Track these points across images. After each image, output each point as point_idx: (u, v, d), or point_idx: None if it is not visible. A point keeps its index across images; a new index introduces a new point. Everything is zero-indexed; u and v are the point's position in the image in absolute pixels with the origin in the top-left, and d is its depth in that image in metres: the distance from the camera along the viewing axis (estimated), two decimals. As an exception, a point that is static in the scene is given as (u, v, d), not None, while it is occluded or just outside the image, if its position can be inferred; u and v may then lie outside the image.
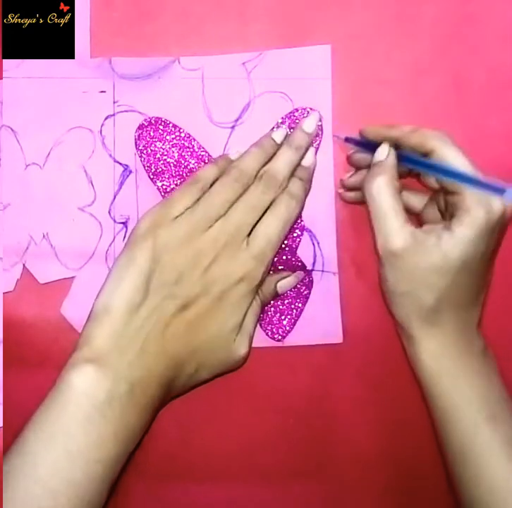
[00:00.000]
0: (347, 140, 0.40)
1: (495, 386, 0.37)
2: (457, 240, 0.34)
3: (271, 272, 0.41)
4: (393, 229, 0.35)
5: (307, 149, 0.40)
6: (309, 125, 0.40)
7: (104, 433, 0.32)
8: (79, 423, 0.32)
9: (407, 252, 0.35)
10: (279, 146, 0.39)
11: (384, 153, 0.37)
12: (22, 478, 0.31)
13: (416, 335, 0.37)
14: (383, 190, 0.36)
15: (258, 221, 0.37)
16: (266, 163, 0.38)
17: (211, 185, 0.37)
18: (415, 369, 0.38)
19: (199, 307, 0.36)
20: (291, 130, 0.40)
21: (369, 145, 0.38)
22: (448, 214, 0.36)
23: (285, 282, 0.40)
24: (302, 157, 0.39)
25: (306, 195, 0.40)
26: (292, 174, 0.39)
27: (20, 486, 0.31)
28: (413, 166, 0.37)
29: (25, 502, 0.31)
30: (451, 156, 0.35)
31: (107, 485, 0.33)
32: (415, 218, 0.40)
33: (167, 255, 0.36)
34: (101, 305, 0.35)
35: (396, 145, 0.37)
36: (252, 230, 0.37)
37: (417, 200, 0.40)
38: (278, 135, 0.39)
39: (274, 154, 0.39)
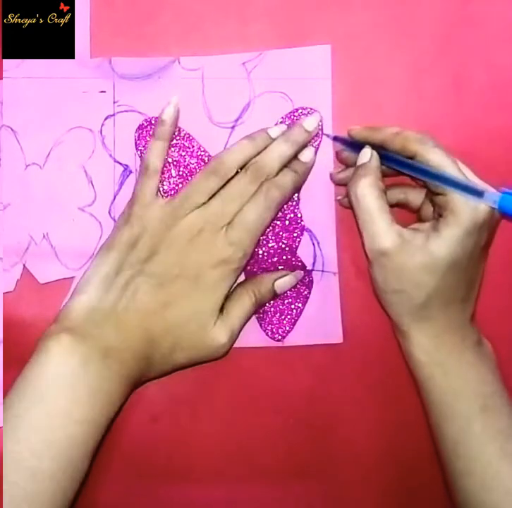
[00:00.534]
0: (335, 138, 0.41)
1: (489, 379, 0.37)
2: (444, 241, 0.34)
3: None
4: (380, 229, 0.35)
5: (303, 147, 0.40)
6: (310, 123, 0.40)
7: (81, 395, 0.34)
8: (56, 385, 0.34)
9: (395, 251, 0.35)
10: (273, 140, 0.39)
11: (366, 156, 0.37)
12: (6, 440, 0.32)
13: (408, 330, 0.37)
14: (367, 192, 0.36)
15: None
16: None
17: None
18: (409, 363, 0.38)
19: (174, 288, 0.37)
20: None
21: (356, 145, 0.39)
22: (436, 213, 0.37)
23: (283, 281, 0.40)
24: (297, 153, 0.39)
25: (297, 189, 0.40)
26: (286, 167, 0.39)
27: (5, 448, 0.32)
28: (398, 167, 0.37)
29: (10, 463, 0.32)
30: (433, 159, 0.35)
31: (88, 448, 0.34)
32: (414, 215, 0.40)
33: (145, 236, 0.37)
34: (81, 281, 0.38)
35: (382, 146, 0.37)
36: None
37: (416, 196, 0.40)
38: (275, 131, 0.39)
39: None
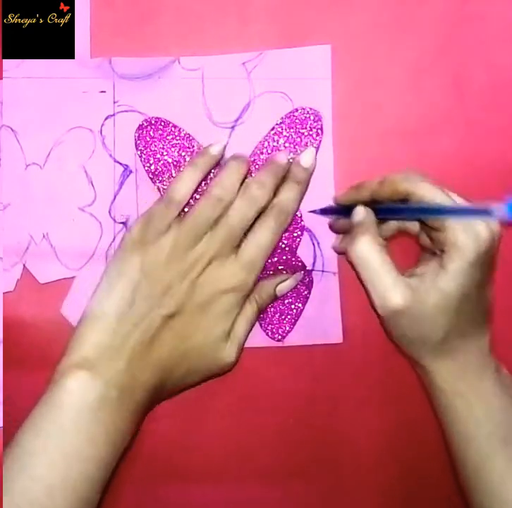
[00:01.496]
0: (323, 211, 0.40)
1: (510, 407, 0.36)
2: (452, 276, 0.34)
3: (270, 273, 0.41)
4: (389, 286, 0.34)
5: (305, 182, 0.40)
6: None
7: (97, 434, 0.33)
8: (73, 423, 0.33)
9: (407, 305, 0.34)
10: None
11: (360, 213, 0.37)
12: (20, 476, 0.32)
13: (428, 366, 0.37)
14: (367, 249, 0.35)
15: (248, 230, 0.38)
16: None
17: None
18: (429, 395, 0.38)
19: (185, 317, 0.36)
20: (291, 130, 0.41)
21: (346, 210, 0.38)
22: (437, 249, 0.36)
23: (285, 285, 0.40)
24: (284, 173, 0.39)
25: (302, 197, 0.40)
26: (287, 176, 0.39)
27: (19, 484, 0.32)
28: (395, 216, 0.36)
29: (23, 499, 0.31)
30: (426, 194, 0.34)
31: (101, 484, 0.34)
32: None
33: (155, 271, 0.36)
34: (91, 311, 0.37)
35: (373, 201, 0.37)
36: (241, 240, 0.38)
37: (413, 222, 0.39)
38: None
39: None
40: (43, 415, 0.33)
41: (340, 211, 0.40)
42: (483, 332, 0.37)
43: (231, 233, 0.37)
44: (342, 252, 0.40)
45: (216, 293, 0.37)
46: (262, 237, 0.37)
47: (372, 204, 0.37)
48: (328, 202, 0.41)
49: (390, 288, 0.34)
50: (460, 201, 0.35)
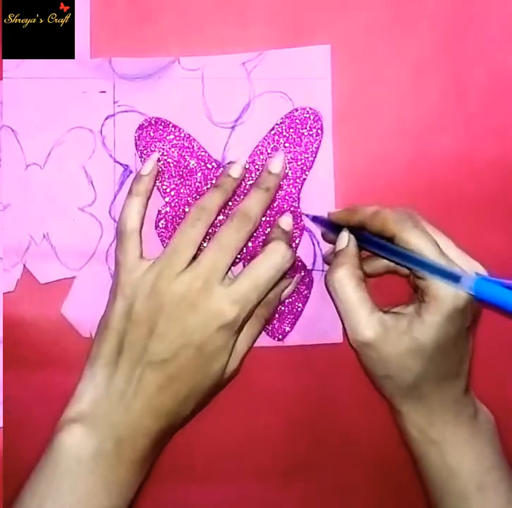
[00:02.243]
0: (314, 219, 0.40)
1: (486, 453, 0.36)
2: (427, 327, 0.34)
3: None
4: (361, 320, 0.35)
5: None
6: (275, 166, 0.39)
7: (96, 487, 0.33)
8: (70, 479, 0.33)
9: (378, 341, 0.34)
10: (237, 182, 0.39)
11: (344, 240, 0.37)
12: None
13: (401, 409, 0.37)
14: (345, 282, 0.35)
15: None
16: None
17: None
18: (404, 439, 0.38)
19: (180, 360, 0.35)
20: (290, 128, 0.41)
21: (336, 227, 0.38)
22: (418, 295, 0.36)
23: (288, 291, 0.40)
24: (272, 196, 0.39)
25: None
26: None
27: None
28: (376, 251, 0.36)
29: None
30: (412, 242, 0.34)
31: None
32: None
33: (137, 306, 0.35)
34: (88, 365, 0.36)
35: (362, 227, 0.37)
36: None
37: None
38: (235, 171, 0.39)
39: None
40: (40, 474, 0.33)
41: (331, 226, 0.39)
42: (459, 380, 0.36)
43: (217, 260, 0.35)
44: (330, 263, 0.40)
45: (206, 330, 0.35)
46: (261, 269, 0.36)
47: (359, 230, 0.37)
48: (328, 202, 0.41)
49: (362, 322, 0.35)
50: (454, 254, 0.35)
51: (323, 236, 0.41)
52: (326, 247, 0.41)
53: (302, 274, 0.41)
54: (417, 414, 0.36)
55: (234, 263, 0.41)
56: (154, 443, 0.35)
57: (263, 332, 0.41)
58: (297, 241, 0.41)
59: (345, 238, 0.37)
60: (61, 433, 0.34)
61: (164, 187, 0.41)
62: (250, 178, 0.41)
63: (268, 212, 0.41)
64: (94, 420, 0.34)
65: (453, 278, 0.33)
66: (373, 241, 0.36)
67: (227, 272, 0.36)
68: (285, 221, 0.39)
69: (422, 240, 0.34)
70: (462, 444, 0.36)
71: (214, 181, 0.41)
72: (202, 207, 0.37)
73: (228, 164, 0.40)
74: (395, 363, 0.35)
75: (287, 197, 0.41)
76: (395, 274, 0.39)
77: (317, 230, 0.41)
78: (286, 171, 0.41)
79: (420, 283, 0.34)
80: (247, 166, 0.40)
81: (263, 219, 0.40)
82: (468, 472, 0.36)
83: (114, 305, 0.36)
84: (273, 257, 0.36)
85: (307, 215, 0.41)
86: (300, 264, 0.41)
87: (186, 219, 0.37)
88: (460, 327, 0.34)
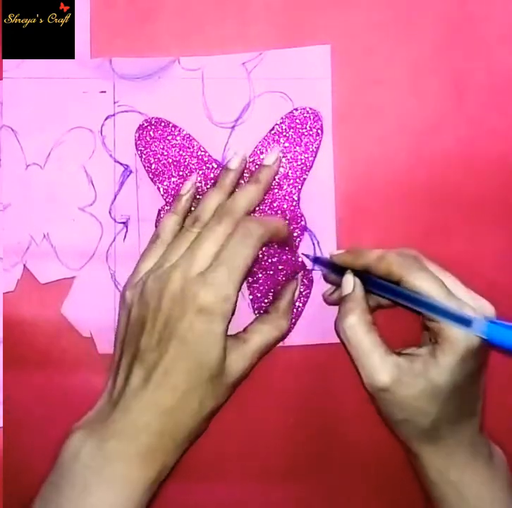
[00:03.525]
0: (315, 260, 0.40)
1: (503, 493, 0.36)
2: (442, 369, 0.33)
3: (270, 273, 0.41)
4: (376, 366, 0.34)
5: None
6: (269, 158, 0.40)
7: (89, 483, 0.33)
8: (67, 478, 0.33)
9: (394, 386, 0.34)
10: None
11: (349, 285, 0.37)
12: None
13: (419, 453, 0.37)
14: (356, 329, 0.35)
15: None
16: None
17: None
18: (422, 482, 0.38)
19: (168, 353, 0.34)
20: (290, 128, 0.41)
21: (338, 268, 0.38)
22: (431, 337, 0.35)
23: (296, 292, 0.41)
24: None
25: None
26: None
27: None
28: (382, 293, 0.36)
29: None
30: (419, 285, 0.34)
31: None
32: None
33: (133, 312, 0.36)
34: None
35: (366, 270, 0.37)
36: None
37: None
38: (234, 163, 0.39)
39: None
40: (46, 480, 0.34)
41: (332, 267, 0.39)
42: (474, 419, 0.36)
43: (194, 254, 0.36)
44: (332, 303, 0.40)
45: (187, 318, 0.34)
46: (228, 252, 0.36)
47: (363, 273, 0.37)
48: (328, 202, 0.41)
49: (377, 367, 0.34)
50: (462, 293, 0.35)
51: (324, 277, 0.41)
52: (326, 247, 0.41)
53: (303, 272, 0.41)
54: (436, 456, 0.36)
55: None
56: (161, 440, 0.34)
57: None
58: (297, 241, 0.41)
59: (350, 282, 0.37)
60: (67, 439, 0.34)
61: (164, 187, 0.41)
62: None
63: (268, 212, 0.41)
64: (95, 422, 0.35)
65: (464, 322, 0.33)
66: (380, 285, 0.36)
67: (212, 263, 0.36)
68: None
69: (430, 283, 0.34)
70: (479, 487, 0.36)
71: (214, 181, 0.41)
72: (202, 209, 0.38)
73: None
74: (412, 406, 0.34)
75: (287, 197, 0.41)
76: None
77: (317, 230, 0.41)
78: (286, 171, 0.41)
79: (432, 325, 0.34)
80: (247, 160, 0.40)
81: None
82: None
83: (120, 315, 0.38)
84: (245, 237, 0.36)
85: (307, 256, 0.41)
86: (300, 264, 0.41)
87: (182, 233, 0.38)
88: (475, 367, 0.34)
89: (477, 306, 0.34)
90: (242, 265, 0.35)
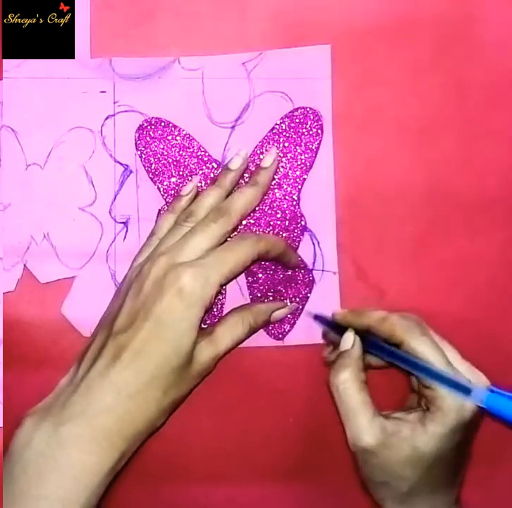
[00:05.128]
0: (316, 317, 0.40)
1: None
2: (430, 437, 0.33)
3: (270, 273, 0.41)
4: (362, 426, 0.34)
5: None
6: (266, 160, 0.40)
7: (43, 471, 0.32)
8: (19, 467, 0.32)
9: (378, 448, 0.34)
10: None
11: (349, 342, 0.37)
12: None
13: None
14: (348, 385, 0.35)
15: None
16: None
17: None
18: None
19: (141, 333, 0.34)
20: (290, 128, 0.41)
21: (339, 327, 0.38)
22: (422, 402, 0.36)
23: (281, 313, 0.40)
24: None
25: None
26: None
27: None
28: (382, 355, 0.36)
29: None
30: (421, 350, 0.34)
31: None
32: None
33: (116, 300, 0.36)
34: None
35: (367, 330, 0.37)
36: None
37: None
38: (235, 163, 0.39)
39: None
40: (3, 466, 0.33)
41: (331, 325, 0.39)
42: (452, 489, 0.36)
43: (184, 243, 0.36)
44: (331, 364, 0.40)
45: (164, 299, 0.34)
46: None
47: (364, 333, 0.37)
48: (328, 202, 0.41)
49: (364, 428, 0.34)
50: (460, 364, 0.35)
51: (323, 335, 0.41)
52: (326, 247, 0.41)
53: (303, 272, 0.41)
54: None
55: None
56: (120, 424, 0.33)
57: (263, 332, 0.41)
58: (297, 241, 0.41)
59: (350, 340, 0.37)
60: (18, 427, 0.34)
61: (164, 187, 0.41)
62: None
63: (268, 212, 0.41)
64: (51, 407, 0.34)
65: (464, 390, 0.33)
66: (380, 346, 0.36)
67: (200, 255, 0.35)
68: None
69: (431, 349, 0.34)
70: None
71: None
72: (199, 204, 0.38)
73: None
74: (393, 470, 0.34)
75: (287, 197, 0.41)
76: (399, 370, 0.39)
77: (317, 230, 0.41)
78: (286, 171, 0.41)
79: (426, 393, 0.34)
80: (247, 161, 0.40)
81: (263, 219, 0.41)
82: None
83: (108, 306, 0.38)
84: (241, 240, 0.36)
85: (308, 312, 0.41)
86: (300, 263, 0.41)
87: (174, 227, 0.38)
88: (463, 439, 0.34)
89: (475, 380, 0.34)
90: (232, 262, 0.35)
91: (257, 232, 0.41)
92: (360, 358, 0.36)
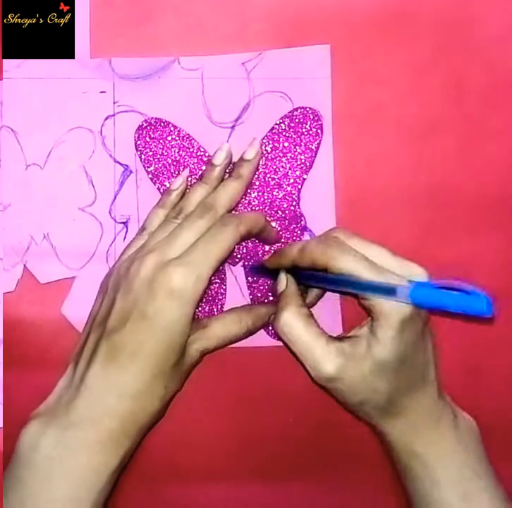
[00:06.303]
0: (252, 269, 0.41)
1: (470, 461, 0.36)
2: (383, 344, 0.33)
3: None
4: (318, 357, 0.34)
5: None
6: (248, 153, 0.40)
7: (51, 474, 0.33)
8: (27, 471, 0.33)
9: (341, 372, 0.34)
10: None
11: (283, 283, 0.37)
12: None
13: (384, 430, 0.37)
14: (293, 324, 0.35)
15: None
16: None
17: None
18: (387, 453, 0.38)
19: (136, 333, 0.34)
20: (290, 128, 0.41)
21: (274, 274, 0.38)
22: (369, 315, 0.35)
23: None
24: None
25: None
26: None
27: None
28: (313, 284, 0.36)
29: None
30: (343, 267, 0.34)
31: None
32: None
33: (106, 296, 0.36)
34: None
35: (295, 266, 0.37)
36: None
37: None
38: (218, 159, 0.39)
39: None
40: (7, 470, 0.34)
41: (269, 273, 0.40)
42: (429, 385, 0.36)
43: (170, 240, 0.36)
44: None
45: (157, 298, 0.34)
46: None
47: (294, 268, 0.37)
48: (328, 202, 0.41)
49: (320, 357, 0.34)
50: (388, 262, 0.34)
51: (271, 290, 0.41)
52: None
53: None
54: (398, 430, 0.36)
55: (233, 263, 0.41)
56: (124, 425, 0.34)
57: (263, 332, 0.41)
58: (297, 241, 0.41)
59: (283, 280, 0.37)
60: (23, 429, 0.34)
61: (164, 187, 0.41)
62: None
63: (268, 212, 0.41)
64: (55, 409, 0.34)
65: (389, 292, 0.32)
66: (309, 276, 0.36)
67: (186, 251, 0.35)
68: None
69: (353, 263, 0.34)
70: (445, 455, 0.36)
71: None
72: (188, 200, 0.38)
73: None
74: (363, 387, 0.34)
75: (287, 197, 0.41)
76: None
77: (317, 230, 0.41)
78: (286, 171, 0.41)
79: (366, 304, 0.34)
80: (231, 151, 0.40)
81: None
82: (451, 482, 0.36)
83: (94, 301, 0.38)
84: (222, 226, 0.36)
85: (244, 266, 0.41)
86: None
87: (164, 222, 0.38)
88: (415, 335, 0.34)
89: (405, 272, 0.34)
90: (218, 252, 0.35)
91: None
92: (298, 295, 0.37)
